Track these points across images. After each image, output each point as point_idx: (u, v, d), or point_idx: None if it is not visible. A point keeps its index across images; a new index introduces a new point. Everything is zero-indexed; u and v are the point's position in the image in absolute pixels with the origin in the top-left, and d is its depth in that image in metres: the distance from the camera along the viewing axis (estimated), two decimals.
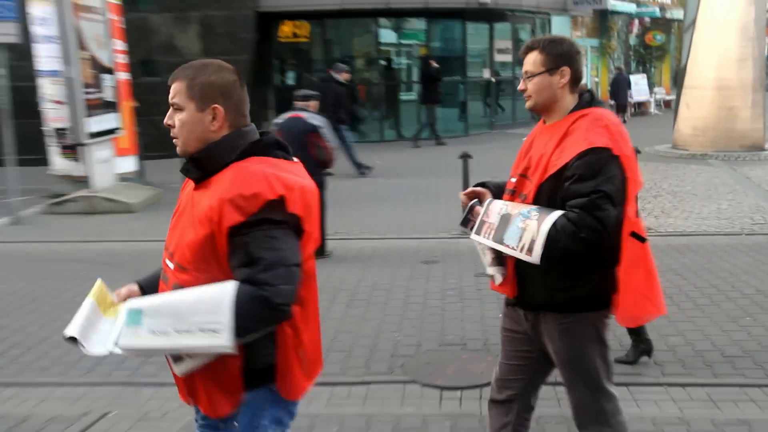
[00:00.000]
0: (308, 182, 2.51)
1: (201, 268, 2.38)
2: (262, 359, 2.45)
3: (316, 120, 7.82)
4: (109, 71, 12.93)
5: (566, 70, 3.03)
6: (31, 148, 12.30)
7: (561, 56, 3.03)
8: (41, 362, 5.86)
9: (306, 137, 7.63)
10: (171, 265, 2.48)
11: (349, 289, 7.36)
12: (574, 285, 3.01)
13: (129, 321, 2.30)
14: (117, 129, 13.04)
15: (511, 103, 23.54)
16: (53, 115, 12.24)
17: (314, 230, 2.50)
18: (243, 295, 2.22)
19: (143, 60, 16.09)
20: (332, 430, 4.44)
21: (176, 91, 2.48)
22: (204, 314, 2.23)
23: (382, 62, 22.10)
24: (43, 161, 12.57)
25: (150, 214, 11.67)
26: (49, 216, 11.70)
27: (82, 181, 12.27)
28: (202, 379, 2.46)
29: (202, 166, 2.45)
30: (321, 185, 7.26)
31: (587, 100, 3.07)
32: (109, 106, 12.84)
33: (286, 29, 20.65)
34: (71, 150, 12.28)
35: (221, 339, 2.20)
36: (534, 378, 3.34)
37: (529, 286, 3.03)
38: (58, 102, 12.10)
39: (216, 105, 2.45)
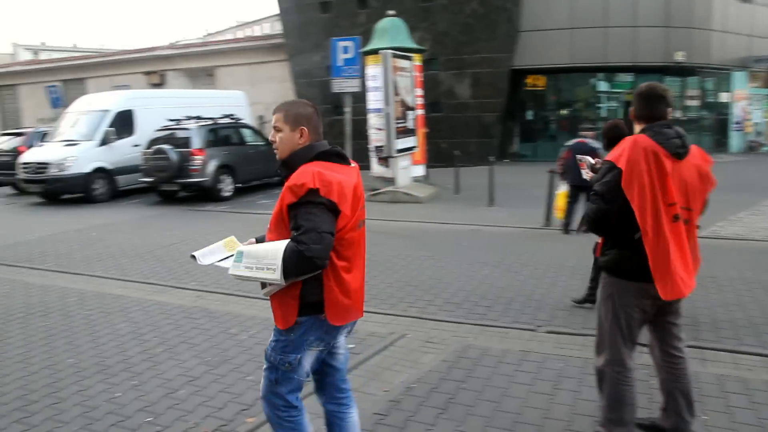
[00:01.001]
0: (348, 179, 2.61)
1: (277, 229, 2.60)
2: (311, 297, 2.57)
3: (596, 144, 7.83)
4: (412, 109, 13.72)
5: None
6: (360, 158, 13.58)
7: None
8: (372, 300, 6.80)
9: (589, 155, 8.07)
10: (269, 227, 2.68)
11: None
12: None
13: (236, 258, 2.61)
14: (413, 147, 13.83)
15: (696, 137, 21.79)
16: (375, 137, 13.34)
17: (350, 212, 2.58)
18: (289, 249, 2.43)
19: (432, 102, 17.05)
20: (557, 366, 4.36)
21: (277, 119, 2.70)
22: (269, 258, 2.48)
23: (597, 105, 21.58)
24: (366, 167, 13.46)
25: (432, 204, 12.30)
26: (369, 203, 12.06)
27: (390, 181, 13.22)
28: (275, 302, 2.64)
29: (287, 166, 2.66)
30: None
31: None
32: (410, 132, 13.66)
33: (530, 81, 20.63)
34: (384, 160, 13.32)
35: (275, 275, 2.45)
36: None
37: None
38: (379, 129, 13.14)
39: (302, 127, 2.67)
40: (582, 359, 4.39)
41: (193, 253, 2.88)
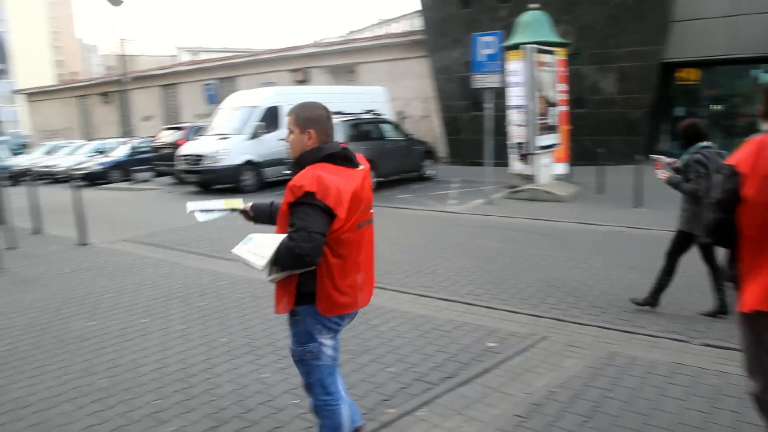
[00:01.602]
0: (349, 183, 2.71)
1: (281, 224, 2.75)
2: (305, 288, 2.72)
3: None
4: (554, 105, 13.33)
5: None
6: (499, 155, 13.08)
7: None
8: (502, 294, 6.40)
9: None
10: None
11: None
12: None
13: (244, 240, 2.76)
14: (555, 144, 13.43)
15: None
16: (516, 134, 13.11)
17: (346, 215, 2.67)
18: (282, 244, 2.60)
19: (575, 97, 16.49)
20: (714, 381, 4.31)
21: (289, 121, 2.86)
22: (264, 247, 2.65)
23: (757, 99, 19.68)
24: (505, 164, 13.49)
25: (574, 204, 11.85)
26: (508, 200, 12.42)
27: (529, 179, 12.89)
28: (277, 289, 2.80)
29: (299, 165, 2.78)
30: None
31: None
32: (552, 129, 13.27)
33: (681, 74, 19.33)
34: (524, 157, 13.03)
35: (260, 263, 2.62)
36: None
37: None
38: (520, 125, 12.91)
39: (311, 129, 2.80)
40: (743, 377, 4.03)
41: (190, 207, 3.27)
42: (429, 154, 17.14)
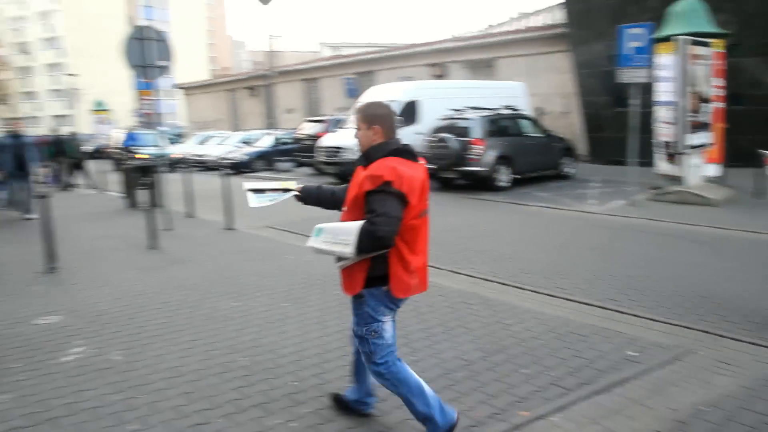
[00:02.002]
0: (417, 174, 3.03)
1: (353, 210, 3.04)
2: (375, 271, 3.02)
3: None
4: (707, 101, 12.43)
5: None
6: (643, 154, 12.43)
7: None
8: (645, 301, 6.06)
9: None
10: (344, 208, 3.18)
11: None
12: None
13: (315, 233, 3.08)
14: (708, 144, 12.52)
15: None
16: (663, 132, 12.31)
17: (416, 202, 2.98)
18: (363, 228, 2.87)
19: (733, 93, 15.33)
20: None
21: (357, 118, 3.19)
22: (345, 235, 2.92)
23: None
24: (650, 164, 12.73)
25: (728, 209, 11.06)
26: (652, 202, 11.79)
27: (676, 180, 12.12)
28: (345, 273, 3.10)
29: (366, 158, 3.09)
30: None
31: None
32: (704, 127, 12.38)
33: None
34: (672, 157, 12.23)
35: (348, 249, 2.89)
36: None
37: None
38: (668, 123, 12.12)
39: (376, 126, 3.11)
40: None
41: (245, 187, 3.53)
42: (568, 151, 16.57)
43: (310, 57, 64.96)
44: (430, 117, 16.03)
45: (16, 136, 11.63)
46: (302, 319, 5.41)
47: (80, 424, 3.64)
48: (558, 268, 7.13)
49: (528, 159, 14.77)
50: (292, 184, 3.53)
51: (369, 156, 3.08)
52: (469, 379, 4.12)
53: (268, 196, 3.48)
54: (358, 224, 2.90)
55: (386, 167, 2.93)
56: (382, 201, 2.87)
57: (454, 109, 15.22)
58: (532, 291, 6.18)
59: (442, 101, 16.39)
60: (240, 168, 21.48)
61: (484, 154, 13.84)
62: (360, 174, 3.08)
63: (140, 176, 12.42)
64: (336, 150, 16.32)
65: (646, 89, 12.43)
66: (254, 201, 3.46)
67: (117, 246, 8.98)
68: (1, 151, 11.45)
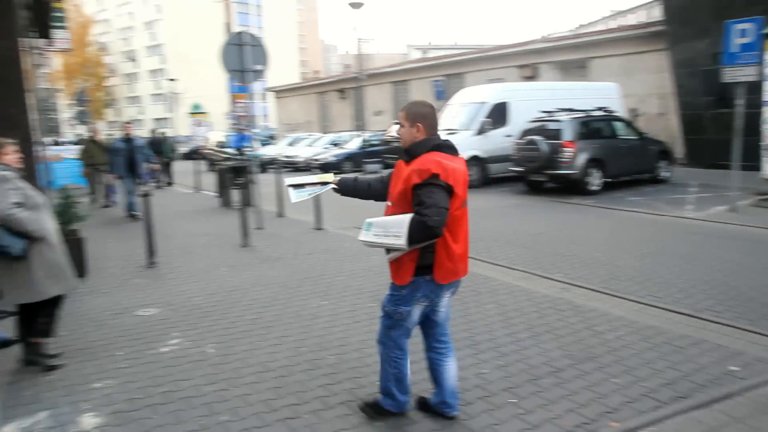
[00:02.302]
0: (460, 167, 3.24)
1: (400, 204, 3.21)
2: (424, 260, 3.21)
3: None
4: None
5: None
6: (748, 157, 11.85)
7: None
8: (749, 314, 5.62)
9: None
10: (389, 203, 3.33)
11: None
12: None
13: (366, 228, 3.26)
14: None
15: None
16: None
17: (461, 194, 3.20)
18: (414, 220, 3.04)
19: None
20: None
21: (400, 116, 3.36)
22: (396, 228, 3.09)
23: None
24: (755, 168, 12.02)
25: None
26: (757, 209, 11.21)
27: None
28: (395, 264, 3.28)
29: (409, 153, 3.27)
30: None
31: None
32: None
33: None
34: None
35: (401, 240, 3.06)
36: None
37: None
38: None
39: (419, 123, 3.28)
40: None
41: (287, 182, 3.70)
42: (664, 154, 15.85)
43: (399, 59, 65.34)
44: (519, 119, 15.78)
45: (127, 139, 11.96)
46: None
47: (176, 412, 3.81)
48: (651, 275, 6.84)
49: (621, 162, 14.26)
50: (329, 177, 3.75)
51: (411, 152, 3.26)
52: (558, 387, 4.02)
53: (307, 190, 3.70)
54: (408, 217, 3.08)
55: (432, 161, 3.12)
56: (431, 193, 3.06)
57: (545, 111, 14.89)
58: (623, 298, 5.96)
59: (532, 103, 16.11)
60: (329, 169, 21.84)
61: (574, 157, 13.47)
62: (403, 169, 3.27)
63: (233, 177, 12.89)
64: None
65: (753, 88, 11.71)
66: (295, 196, 3.70)
67: (211, 243, 9.34)
68: (115, 155, 11.87)
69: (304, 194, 3.68)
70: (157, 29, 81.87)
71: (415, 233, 3.04)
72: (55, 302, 4.60)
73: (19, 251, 4.25)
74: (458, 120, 16.87)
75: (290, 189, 3.70)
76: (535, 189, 14.60)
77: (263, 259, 8.14)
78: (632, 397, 3.85)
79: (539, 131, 14.10)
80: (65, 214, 7.39)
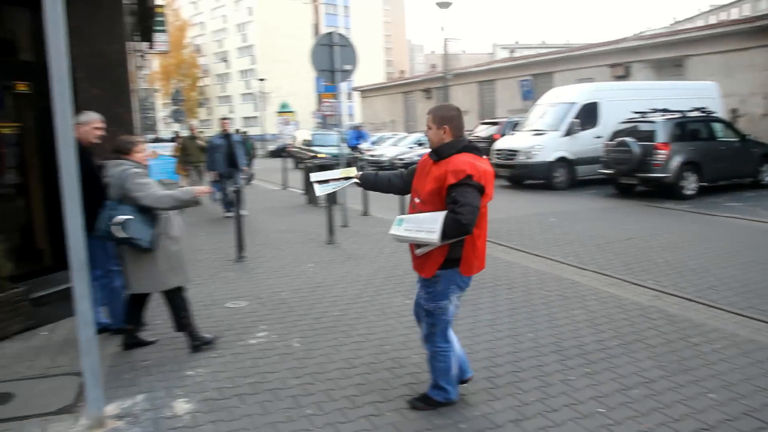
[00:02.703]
0: (489, 168, 3.45)
1: (432, 202, 3.38)
2: (453, 254, 3.45)
3: None
4: None
5: None
6: None
7: None
8: None
9: None
10: (417, 200, 3.51)
11: None
12: None
13: (397, 223, 3.44)
14: None
15: None
16: None
17: (490, 193, 3.42)
18: (449, 218, 3.23)
19: None
20: None
21: (428, 119, 3.53)
22: (429, 224, 3.26)
23: None
24: None
25: None
26: None
27: None
28: (423, 258, 3.48)
29: (438, 154, 3.43)
30: None
31: None
32: None
33: None
34: None
35: (434, 236, 3.24)
36: None
37: None
38: None
39: (446, 126, 3.47)
40: None
41: (313, 178, 3.90)
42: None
43: (485, 59, 64.70)
44: (610, 120, 15.29)
45: (225, 135, 11.93)
46: (472, 320, 5.39)
47: (263, 403, 3.92)
48: (753, 286, 6.45)
49: (719, 165, 13.53)
50: (352, 172, 3.95)
51: (441, 152, 3.44)
52: (649, 398, 3.86)
53: (331, 185, 3.90)
54: (441, 214, 3.28)
55: (466, 163, 3.33)
56: (465, 192, 3.26)
57: (637, 111, 14.35)
58: (721, 309, 5.65)
59: (623, 103, 15.58)
60: None
61: (668, 160, 12.90)
62: (431, 168, 3.47)
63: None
64: (511, 153, 16.11)
65: None
66: (320, 190, 3.92)
67: (298, 239, 9.56)
68: (214, 151, 11.86)
69: (328, 188, 3.92)
70: (248, 31, 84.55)
71: (449, 230, 3.25)
72: (179, 294, 4.84)
73: (147, 244, 4.53)
74: (546, 120, 16.56)
75: (315, 184, 3.93)
76: (626, 192, 14.07)
77: (348, 256, 8.25)
78: (731, 415, 3.64)
79: (631, 132, 13.61)
80: None
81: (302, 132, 31.15)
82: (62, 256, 6.73)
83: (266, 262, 8.01)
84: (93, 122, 5.17)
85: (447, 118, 3.50)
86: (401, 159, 22.88)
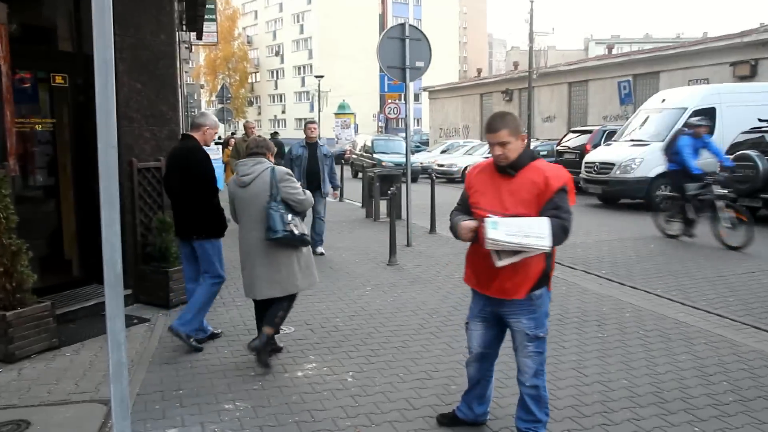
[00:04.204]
0: None
1: (529, 208, 3.49)
2: (549, 269, 3.66)
3: None
4: None
5: None
6: None
7: None
8: None
9: None
10: (507, 214, 3.49)
11: None
12: None
13: (492, 226, 3.39)
14: None
15: None
16: None
17: None
18: (555, 223, 3.40)
19: None
20: None
21: (503, 135, 3.53)
22: (536, 229, 3.37)
23: None
24: None
25: None
26: None
27: None
28: (515, 274, 3.54)
29: (515, 167, 3.57)
30: None
31: None
32: None
33: None
34: None
35: (545, 242, 3.36)
36: None
37: None
38: None
39: (521, 134, 3.64)
40: None
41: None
42: None
43: (577, 56, 63.99)
44: (731, 129, 14.77)
45: (310, 144, 9.99)
46: (556, 362, 5.27)
47: None
48: None
49: None
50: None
51: (517, 164, 3.58)
52: None
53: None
54: (545, 220, 3.41)
55: (560, 168, 3.65)
56: (566, 200, 3.53)
57: (764, 119, 13.85)
58: None
59: (747, 109, 15.05)
60: None
61: None
62: (508, 182, 3.58)
63: (383, 186, 13.20)
64: (605, 166, 15.79)
65: None
66: (495, 234, 3.53)
67: (354, 259, 9.62)
68: (293, 164, 9.68)
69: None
70: (306, 21, 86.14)
71: (558, 236, 3.43)
72: (293, 298, 5.43)
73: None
74: (649, 129, 16.16)
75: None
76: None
77: (412, 280, 8.25)
78: None
79: (756, 144, 13.13)
80: None
81: (363, 136, 31.48)
82: (92, 267, 7.02)
83: (318, 283, 8.07)
84: (216, 127, 6.05)
85: (518, 126, 3.64)
86: None
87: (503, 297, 3.62)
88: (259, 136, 5.84)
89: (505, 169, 3.59)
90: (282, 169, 5.26)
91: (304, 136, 10.10)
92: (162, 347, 5.74)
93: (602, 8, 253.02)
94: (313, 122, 10.39)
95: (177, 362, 5.36)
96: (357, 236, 11.75)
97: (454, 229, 3.74)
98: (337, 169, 12.30)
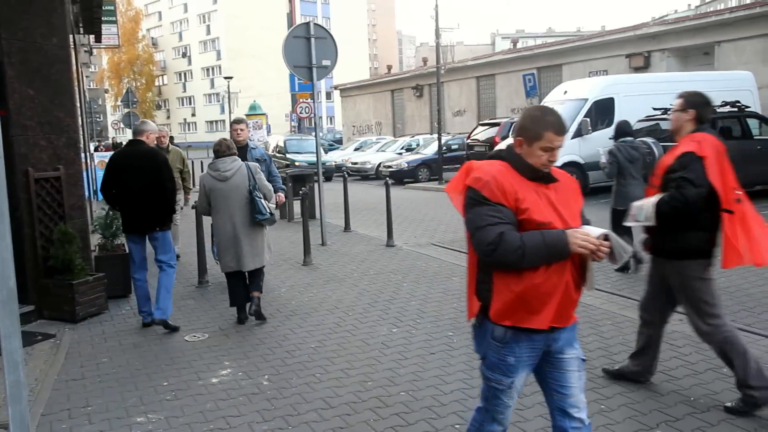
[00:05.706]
0: None
1: (578, 223, 2.94)
2: None
3: None
4: None
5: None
6: None
7: None
8: None
9: None
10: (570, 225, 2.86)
11: None
12: None
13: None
14: None
15: None
16: None
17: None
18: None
19: None
20: None
21: (563, 140, 2.91)
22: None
23: None
24: None
25: None
26: None
27: None
28: (576, 298, 2.89)
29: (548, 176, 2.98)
30: None
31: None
32: None
33: None
34: None
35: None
36: None
37: None
38: None
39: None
40: None
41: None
42: None
43: (484, 51, 65.18)
44: (628, 117, 15.16)
45: (240, 149, 7.77)
46: (469, 351, 5.32)
47: None
48: None
49: (754, 168, 13.61)
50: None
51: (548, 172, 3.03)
52: None
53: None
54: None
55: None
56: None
57: (658, 108, 14.45)
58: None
59: (643, 99, 15.67)
60: (402, 177, 21.91)
61: None
62: (557, 189, 2.99)
63: (296, 186, 13.10)
64: None
65: None
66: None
67: (269, 261, 9.48)
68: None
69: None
70: (213, 22, 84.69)
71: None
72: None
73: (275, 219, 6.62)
74: None
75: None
76: None
77: (327, 279, 8.21)
78: None
79: (651, 132, 13.68)
80: (109, 227, 7.70)
81: (276, 137, 31.19)
82: None
83: None
84: (156, 132, 6.91)
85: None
86: (388, 166, 22.94)
87: (572, 322, 2.94)
88: (225, 139, 6.66)
89: (543, 176, 2.96)
90: (254, 165, 6.65)
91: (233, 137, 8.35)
92: (69, 363, 5.52)
93: (507, 3, 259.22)
94: (240, 122, 8.77)
95: (84, 378, 5.16)
96: (271, 238, 11.59)
97: (544, 247, 2.74)
98: None
